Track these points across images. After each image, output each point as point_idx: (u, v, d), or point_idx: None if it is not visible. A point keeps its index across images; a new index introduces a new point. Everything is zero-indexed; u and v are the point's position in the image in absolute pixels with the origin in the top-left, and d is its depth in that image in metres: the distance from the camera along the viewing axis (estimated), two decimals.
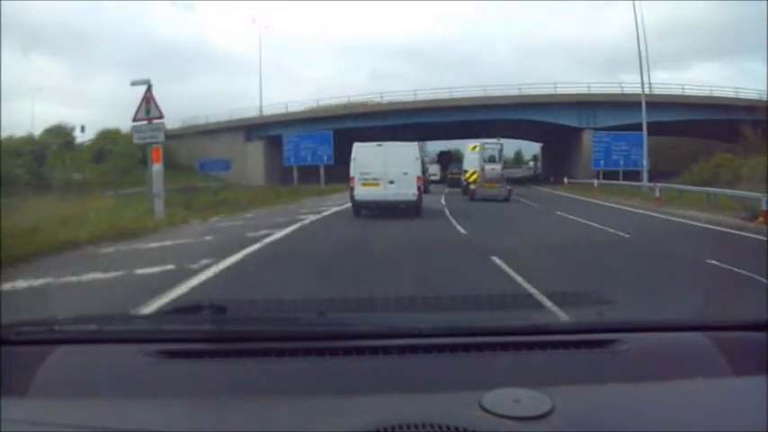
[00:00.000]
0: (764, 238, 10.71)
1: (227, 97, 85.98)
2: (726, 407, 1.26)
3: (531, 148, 75.05)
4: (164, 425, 1.16)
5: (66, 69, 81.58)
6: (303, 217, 15.00)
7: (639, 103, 34.44)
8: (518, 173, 57.98)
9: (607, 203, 22.16)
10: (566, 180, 35.89)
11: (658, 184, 23.16)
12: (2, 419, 1.10)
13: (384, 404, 1.20)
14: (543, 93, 40.64)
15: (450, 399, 1.22)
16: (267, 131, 42.89)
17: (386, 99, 43.27)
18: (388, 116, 40.70)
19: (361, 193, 15.19)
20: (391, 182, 15.06)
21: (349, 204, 15.91)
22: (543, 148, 63.19)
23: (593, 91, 39.98)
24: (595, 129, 37.52)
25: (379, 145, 15.94)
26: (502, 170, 26.01)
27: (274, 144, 40.57)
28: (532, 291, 5.40)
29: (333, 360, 1.43)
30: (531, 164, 76.38)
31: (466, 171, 28.29)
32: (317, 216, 15.60)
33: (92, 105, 73.22)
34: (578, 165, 38.14)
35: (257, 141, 43.09)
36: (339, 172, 40.36)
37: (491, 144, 27.10)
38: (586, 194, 27.64)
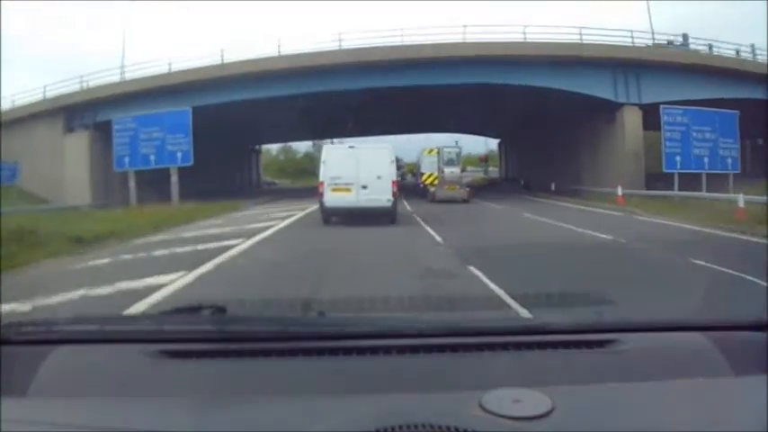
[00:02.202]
0: None
1: None
2: (726, 407, 1.26)
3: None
4: (164, 425, 1.16)
5: None
6: None
7: (716, 70, 23.54)
8: (466, 176, 41.71)
9: None
10: (620, 191, 20.88)
11: None
12: (2, 419, 1.10)
13: (384, 404, 1.20)
14: (567, 41, 24.22)
15: (450, 399, 1.22)
16: (96, 115, 26.05)
17: (285, 51, 25.17)
18: (289, 81, 24.47)
19: (331, 199, 14.43)
20: (364, 187, 14.35)
21: None
22: (501, 145, 50.70)
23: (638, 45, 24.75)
24: (640, 105, 24.14)
25: (351, 147, 15.50)
26: (461, 173, 26.77)
27: (107, 135, 24.94)
28: None
29: (333, 360, 1.43)
30: (482, 166, 59.83)
31: (422, 174, 29.00)
32: None
33: None
34: (614, 163, 24.37)
35: (81, 131, 26.11)
36: (206, 180, 27.87)
37: (450, 148, 27.87)
38: None
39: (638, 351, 1.48)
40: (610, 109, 24.55)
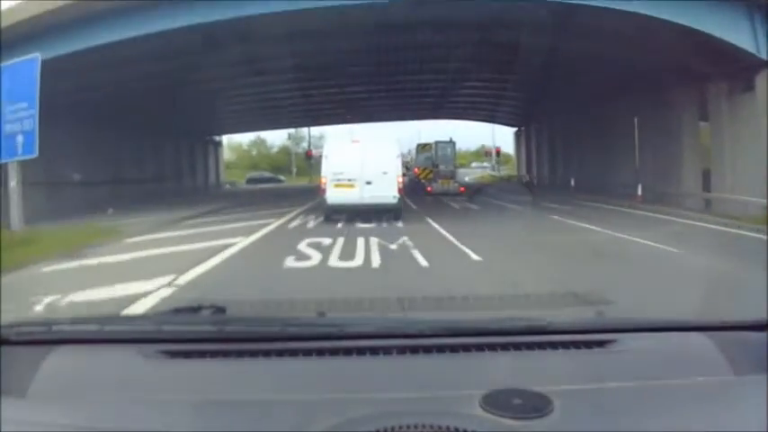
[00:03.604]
0: None
1: None
2: (726, 407, 1.26)
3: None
4: (164, 425, 1.16)
5: None
6: None
7: None
8: (470, 173, 38.95)
9: None
10: None
11: None
12: (2, 419, 1.10)
13: (384, 404, 1.19)
14: None
15: (450, 399, 1.22)
16: None
17: None
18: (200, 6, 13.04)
19: (334, 195, 13.89)
20: (368, 182, 13.83)
21: None
22: (520, 135, 39.47)
23: None
24: None
25: (355, 141, 15.06)
26: (454, 167, 27.87)
27: None
28: None
29: (333, 360, 1.43)
30: (486, 163, 50.78)
31: (416, 168, 30.42)
32: None
33: None
34: (754, 157, 13.50)
35: None
36: (131, 183, 19.48)
37: (443, 143, 28.73)
38: None
39: (638, 351, 1.48)
40: (742, 70, 14.22)
